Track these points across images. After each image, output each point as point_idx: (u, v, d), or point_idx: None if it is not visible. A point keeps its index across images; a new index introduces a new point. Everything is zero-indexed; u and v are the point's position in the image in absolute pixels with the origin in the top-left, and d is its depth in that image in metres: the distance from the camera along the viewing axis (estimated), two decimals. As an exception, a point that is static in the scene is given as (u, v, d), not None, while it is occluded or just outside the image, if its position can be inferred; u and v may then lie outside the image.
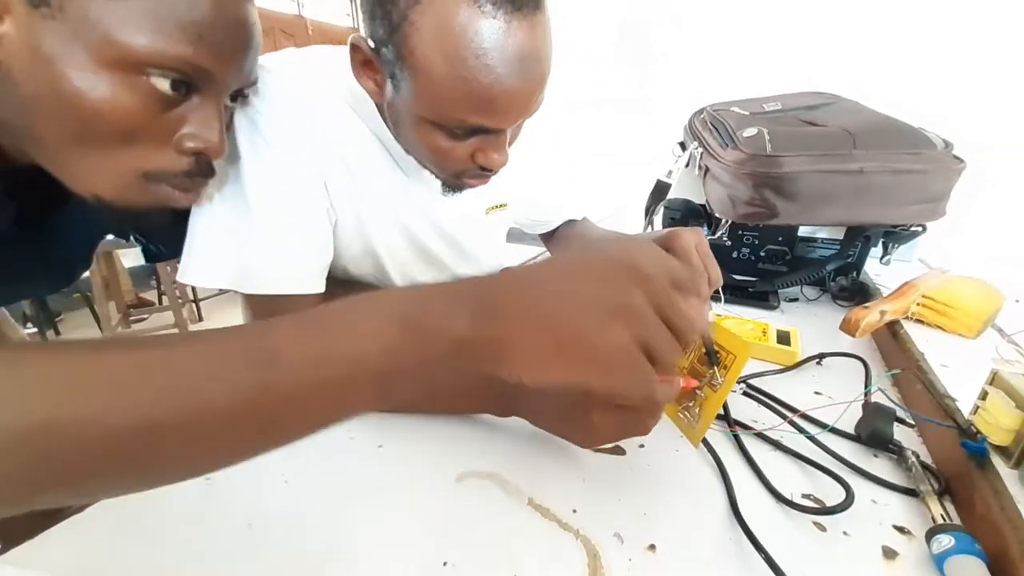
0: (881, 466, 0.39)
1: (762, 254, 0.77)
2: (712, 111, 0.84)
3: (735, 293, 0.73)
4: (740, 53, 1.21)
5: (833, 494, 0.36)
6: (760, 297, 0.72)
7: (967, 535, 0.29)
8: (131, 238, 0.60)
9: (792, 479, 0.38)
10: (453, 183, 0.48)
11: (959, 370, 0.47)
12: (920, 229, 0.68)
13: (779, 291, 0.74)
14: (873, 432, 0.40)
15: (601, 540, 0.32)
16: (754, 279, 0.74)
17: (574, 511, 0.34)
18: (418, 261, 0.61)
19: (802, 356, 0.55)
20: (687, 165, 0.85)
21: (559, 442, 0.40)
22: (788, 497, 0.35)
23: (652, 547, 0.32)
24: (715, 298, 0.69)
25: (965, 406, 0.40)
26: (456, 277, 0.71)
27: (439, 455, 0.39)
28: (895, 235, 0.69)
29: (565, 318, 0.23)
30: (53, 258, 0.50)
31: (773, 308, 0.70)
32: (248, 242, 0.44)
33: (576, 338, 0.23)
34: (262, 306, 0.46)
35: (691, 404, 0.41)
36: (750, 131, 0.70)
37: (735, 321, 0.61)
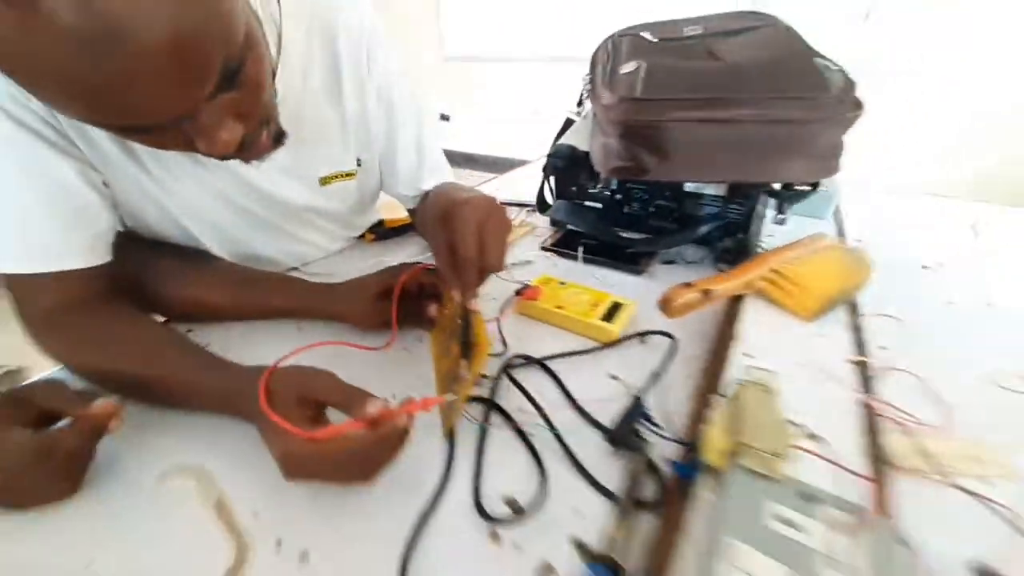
0: (619, 471, 0.37)
1: (652, 210, 0.70)
2: (619, 36, 0.72)
3: (605, 253, 0.68)
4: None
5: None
6: (630, 259, 0.67)
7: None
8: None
9: (515, 478, 0.36)
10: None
11: (763, 361, 0.43)
12: (809, 188, 0.60)
13: (662, 252, 0.68)
14: (618, 430, 0.38)
15: (262, 546, 0.31)
16: (647, 235, 0.68)
17: (255, 514, 0.33)
18: (244, 226, 0.58)
19: (627, 332, 0.51)
20: (586, 102, 0.75)
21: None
22: (488, 510, 0.34)
23: (304, 555, 0.31)
24: (571, 256, 0.64)
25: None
26: (297, 239, 0.66)
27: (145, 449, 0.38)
28: (782, 195, 0.61)
29: None
30: None
31: (638, 273, 0.65)
32: None
33: None
34: (20, 282, 0.42)
35: (456, 387, 0.39)
36: (629, 66, 0.60)
37: (576, 290, 0.57)
